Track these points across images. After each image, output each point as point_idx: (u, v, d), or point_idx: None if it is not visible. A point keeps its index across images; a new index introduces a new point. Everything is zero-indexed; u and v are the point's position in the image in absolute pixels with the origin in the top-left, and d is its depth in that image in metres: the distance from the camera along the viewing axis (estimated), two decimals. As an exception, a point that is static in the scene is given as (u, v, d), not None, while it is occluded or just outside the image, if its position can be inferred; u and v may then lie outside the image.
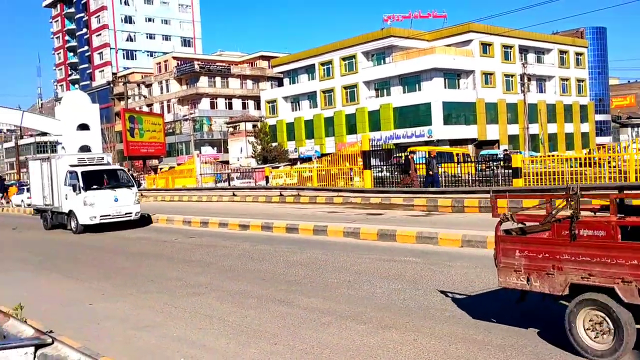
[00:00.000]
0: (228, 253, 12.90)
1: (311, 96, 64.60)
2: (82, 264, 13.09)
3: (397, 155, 28.98)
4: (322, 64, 62.72)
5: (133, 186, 19.72)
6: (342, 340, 6.18)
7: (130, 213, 19.07)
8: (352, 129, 58.62)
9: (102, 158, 20.79)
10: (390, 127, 54.84)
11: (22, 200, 39.09)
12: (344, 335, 6.32)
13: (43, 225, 21.25)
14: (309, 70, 65.02)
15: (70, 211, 18.91)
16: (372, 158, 25.00)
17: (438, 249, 11.58)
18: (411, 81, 55.53)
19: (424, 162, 24.14)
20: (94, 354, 3.84)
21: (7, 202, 38.68)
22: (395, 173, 24.58)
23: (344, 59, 60.43)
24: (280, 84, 71.72)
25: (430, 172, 21.93)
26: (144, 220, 20.53)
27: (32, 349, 4.20)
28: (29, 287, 10.35)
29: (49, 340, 4.23)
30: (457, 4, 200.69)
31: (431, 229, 12.64)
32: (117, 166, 24.33)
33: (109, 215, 18.57)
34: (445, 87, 54.87)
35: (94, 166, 19.83)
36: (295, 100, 67.03)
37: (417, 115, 53.41)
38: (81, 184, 18.36)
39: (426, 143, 48.07)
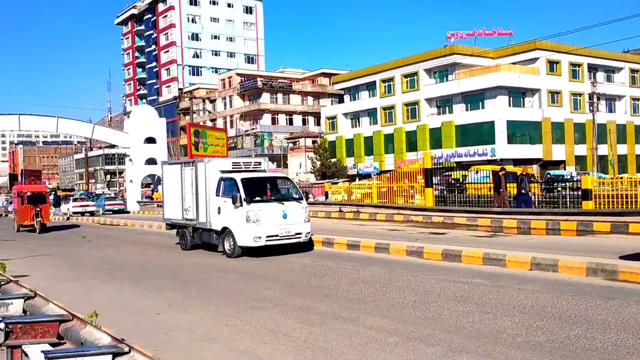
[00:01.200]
0: (289, 267, 12.92)
1: (371, 113, 64.57)
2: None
3: (447, 174, 28.33)
4: (384, 81, 62.65)
5: (302, 199, 15.52)
6: (410, 362, 6.03)
7: (300, 233, 14.74)
8: (412, 146, 58.16)
9: (260, 163, 16.83)
10: (452, 145, 54.10)
11: (67, 209, 42.31)
12: (412, 358, 6.17)
13: (180, 245, 17.52)
14: (370, 87, 65.07)
15: (225, 229, 14.95)
16: (433, 176, 24.70)
17: (506, 271, 11.23)
18: (474, 99, 54.72)
19: (487, 181, 23.62)
20: (170, 365, 3.86)
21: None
22: (448, 191, 24.10)
23: (405, 75, 60.19)
24: (341, 101, 72.06)
25: (523, 191, 20.70)
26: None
27: (109, 357, 4.27)
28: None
29: (126, 349, 4.28)
30: (523, 22, 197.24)
31: (498, 251, 12.29)
32: (279, 173, 20.11)
33: (276, 235, 14.40)
34: (509, 106, 53.77)
35: (252, 173, 15.97)
36: (355, 117, 67.14)
37: (480, 134, 52.50)
38: (242, 195, 14.36)
39: (489, 162, 47.10)
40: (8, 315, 6.27)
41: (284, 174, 17.65)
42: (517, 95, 54.61)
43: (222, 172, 15.49)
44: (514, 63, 54.84)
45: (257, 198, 14.73)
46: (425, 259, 13.17)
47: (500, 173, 22.28)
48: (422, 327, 7.37)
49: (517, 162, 49.59)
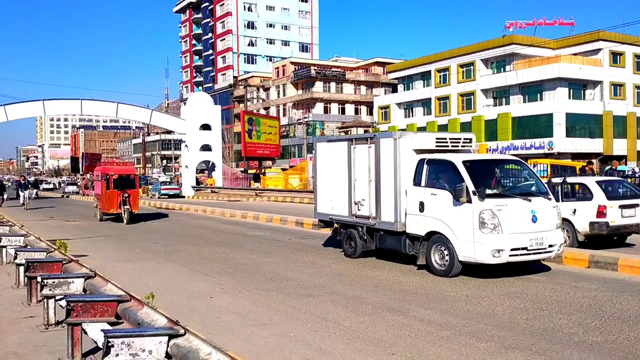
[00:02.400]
0: (340, 256, 12.93)
1: (425, 103, 63.73)
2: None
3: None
4: (439, 71, 61.68)
5: (549, 195, 10.71)
6: (462, 357, 5.95)
7: (553, 246, 10.14)
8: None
9: (470, 140, 11.91)
10: (508, 137, 52.88)
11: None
12: (464, 352, 6.08)
13: (345, 250, 12.88)
14: (425, 76, 64.17)
15: (433, 234, 10.56)
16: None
17: (562, 268, 10.94)
18: (532, 90, 53.25)
19: (544, 175, 22.96)
20: (223, 348, 3.92)
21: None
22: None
23: (461, 65, 59.07)
24: (395, 90, 71.39)
25: None
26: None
27: (165, 338, 4.38)
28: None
29: (182, 331, 4.38)
30: (586, 11, 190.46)
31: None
32: (508, 156, 14.31)
33: (524, 248, 9.89)
34: (569, 98, 52.06)
35: (466, 155, 11.21)
36: (408, 107, 66.42)
37: (537, 126, 51.09)
38: (471, 187, 9.88)
39: (546, 155, 45.82)
40: (69, 293, 6.53)
41: (514, 157, 12.32)
42: (578, 87, 52.82)
43: (419, 151, 11.16)
44: (575, 54, 53.00)
45: (491, 192, 10.30)
46: None
47: (587, 168, 20.44)
48: (475, 321, 7.26)
49: (575, 156, 48.07)
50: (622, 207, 12.62)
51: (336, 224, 13.50)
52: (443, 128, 60.28)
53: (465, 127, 57.81)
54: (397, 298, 8.65)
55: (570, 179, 13.98)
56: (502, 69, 56.88)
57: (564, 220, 11.96)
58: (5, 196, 34.34)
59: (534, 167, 24.03)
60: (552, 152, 48.24)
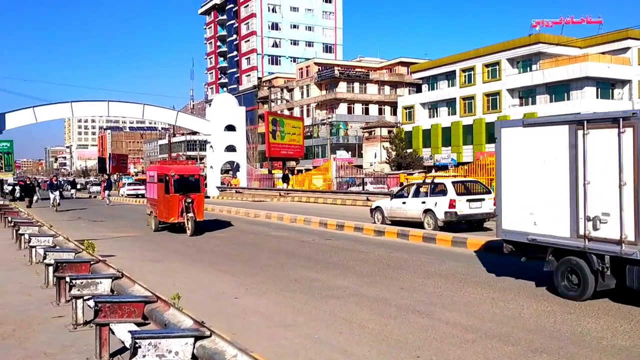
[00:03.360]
0: (364, 258, 12.91)
1: (450, 103, 63.25)
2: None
3: None
4: (464, 70, 61.18)
5: None
6: (488, 360, 5.90)
7: None
8: (492, 137, 56.28)
9: None
10: (534, 138, 52.23)
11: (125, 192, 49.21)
12: (490, 356, 6.03)
13: (560, 287, 8.72)
14: (449, 76, 63.70)
15: None
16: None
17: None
18: (559, 90, 52.52)
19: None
20: (249, 350, 3.94)
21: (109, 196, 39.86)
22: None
23: (487, 65, 58.52)
24: (419, 90, 70.99)
25: None
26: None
27: (192, 339, 4.42)
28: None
29: (208, 333, 4.42)
30: (614, 10, 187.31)
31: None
32: None
33: None
34: (597, 97, 51.20)
35: None
36: (433, 107, 66.00)
37: (564, 126, 50.35)
38: None
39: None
40: (97, 294, 6.62)
41: None
42: (606, 86, 51.94)
43: None
44: (603, 53, 52.15)
45: None
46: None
47: None
48: (501, 325, 7.19)
49: (604, 156, 47.26)
50: (469, 200, 16.78)
51: (527, 249, 9.44)
52: (468, 128, 59.80)
53: (491, 126, 57.26)
54: (423, 300, 8.60)
55: (437, 180, 18.01)
56: (528, 68, 56.20)
57: (429, 210, 16.99)
58: (36, 197, 34.69)
59: None
60: (579, 152, 47.45)
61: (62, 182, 39.48)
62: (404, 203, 18.25)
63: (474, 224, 17.29)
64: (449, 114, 63.35)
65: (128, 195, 48.55)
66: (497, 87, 57.10)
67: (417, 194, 17.93)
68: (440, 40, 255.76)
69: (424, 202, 17.28)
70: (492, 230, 13.89)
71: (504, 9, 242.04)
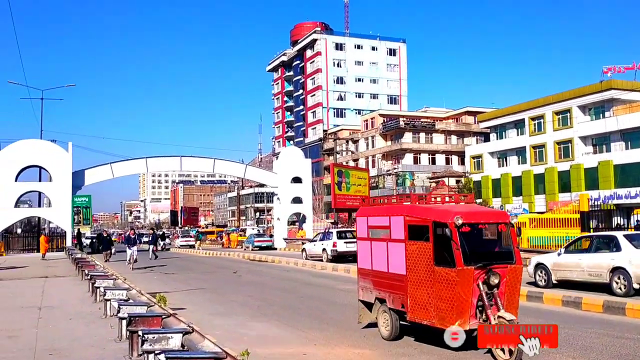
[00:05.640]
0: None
1: (520, 151, 61.95)
2: None
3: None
4: (533, 119, 60.04)
5: None
6: None
7: None
8: (565, 186, 54.78)
9: None
10: (610, 186, 50.15)
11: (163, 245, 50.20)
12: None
13: None
14: (518, 124, 62.62)
15: None
16: (590, 219, 22.97)
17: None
18: (635, 136, 50.55)
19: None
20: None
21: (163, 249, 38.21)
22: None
23: (557, 113, 57.24)
24: (487, 139, 70.03)
25: None
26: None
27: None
28: None
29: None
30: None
31: None
32: None
33: None
34: (677, 142, 49.00)
35: None
36: (502, 156, 64.80)
37: (642, 174, 48.20)
38: None
39: (654, 204, 42.96)
40: (168, 348, 6.70)
41: None
42: (685, 131, 49.67)
43: None
44: (681, 97, 50.15)
45: None
46: (583, 310, 12.19)
47: None
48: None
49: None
50: (345, 242, 26.48)
51: None
52: (540, 177, 58.24)
53: (564, 175, 55.65)
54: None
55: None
56: (600, 115, 54.60)
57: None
58: (112, 250, 35.30)
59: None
60: (660, 201, 45.20)
61: (138, 235, 36.15)
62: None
63: None
64: (518, 163, 62.00)
65: (181, 246, 55.37)
66: (569, 135, 55.62)
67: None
68: (507, 89, 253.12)
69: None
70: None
71: (570, 56, 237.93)
